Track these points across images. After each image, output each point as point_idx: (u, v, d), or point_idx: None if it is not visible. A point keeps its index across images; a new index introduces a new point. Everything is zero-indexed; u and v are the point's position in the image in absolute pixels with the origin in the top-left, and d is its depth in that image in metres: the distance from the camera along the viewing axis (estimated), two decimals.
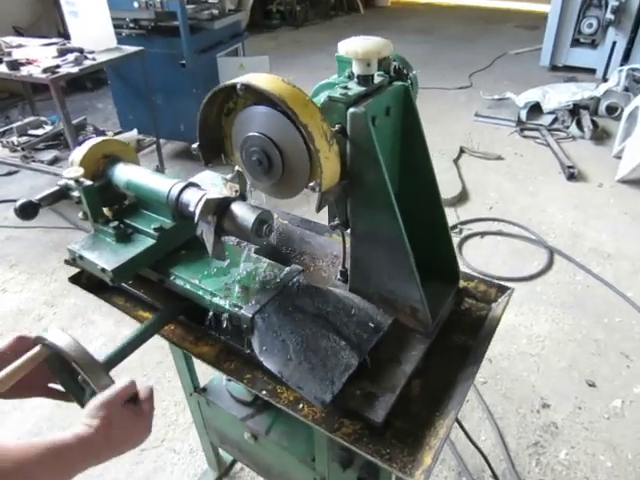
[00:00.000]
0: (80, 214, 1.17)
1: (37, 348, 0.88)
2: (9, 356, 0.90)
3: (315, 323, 1.03)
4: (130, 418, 0.86)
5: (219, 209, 0.98)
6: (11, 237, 3.57)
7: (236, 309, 1.03)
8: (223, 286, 1.09)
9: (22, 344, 0.92)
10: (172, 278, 1.13)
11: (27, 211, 1.09)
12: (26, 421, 2.26)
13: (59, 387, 0.99)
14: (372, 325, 1.06)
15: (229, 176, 1.06)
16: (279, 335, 0.99)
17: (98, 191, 1.14)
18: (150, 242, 1.12)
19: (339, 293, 1.12)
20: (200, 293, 1.08)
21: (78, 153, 1.15)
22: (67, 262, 1.22)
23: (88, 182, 1.10)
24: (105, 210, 1.18)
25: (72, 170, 1.10)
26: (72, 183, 1.10)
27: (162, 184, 1.11)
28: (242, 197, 1.05)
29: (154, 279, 1.18)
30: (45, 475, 0.74)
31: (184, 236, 1.19)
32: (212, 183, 1.24)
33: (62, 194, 1.14)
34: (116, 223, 1.13)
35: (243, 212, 0.97)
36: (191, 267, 1.15)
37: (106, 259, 1.08)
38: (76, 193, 1.12)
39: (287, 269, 1.13)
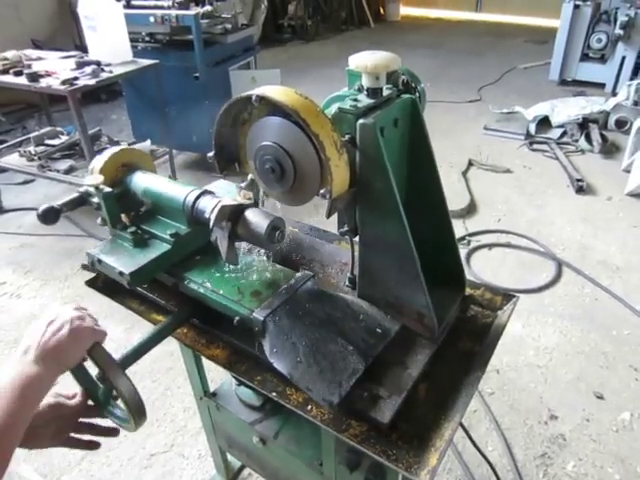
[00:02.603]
0: (99, 220, 1.22)
1: None
2: None
3: (324, 328, 1.06)
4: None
5: (233, 215, 1.02)
6: (25, 244, 3.65)
7: (248, 312, 1.06)
8: (236, 290, 1.12)
9: None
10: (186, 282, 1.16)
11: (49, 216, 1.14)
12: None
13: (80, 436, 1.03)
14: (379, 331, 1.09)
15: (243, 184, 1.10)
16: (289, 338, 1.02)
17: (117, 198, 1.18)
18: (166, 247, 1.16)
19: (348, 299, 1.15)
20: (213, 297, 1.12)
21: (98, 161, 1.20)
22: (85, 267, 1.27)
23: (108, 189, 1.15)
24: (123, 216, 1.23)
25: (92, 178, 1.15)
26: (92, 190, 1.15)
27: (178, 191, 1.15)
28: (255, 204, 1.09)
29: (169, 283, 1.22)
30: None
31: (198, 242, 1.22)
32: (227, 191, 1.27)
33: (82, 200, 1.19)
34: (133, 229, 1.17)
35: (257, 219, 1.01)
36: (205, 272, 1.18)
37: (124, 263, 1.12)
38: (96, 199, 1.16)
39: (298, 274, 1.16)
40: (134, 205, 1.25)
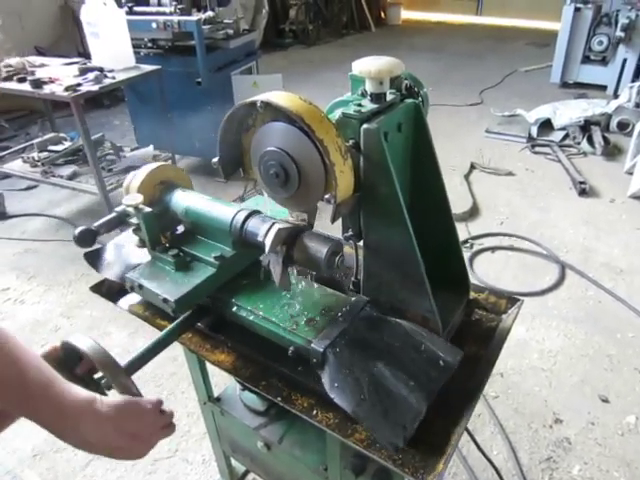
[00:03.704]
0: (136, 241, 1.18)
1: None
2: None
3: (385, 360, 1.00)
4: (148, 426, 0.87)
5: (288, 239, 0.98)
6: (29, 250, 3.66)
7: (305, 342, 1.01)
8: (289, 317, 1.07)
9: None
10: (234, 309, 1.12)
11: (86, 238, 1.10)
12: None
13: None
14: (442, 363, 1.02)
15: None
16: (352, 372, 0.96)
17: (156, 218, 1.13)
18: (211, 271, 1.10)
19: (407, 326, 1.09)
20: (266, 325, 1.07)
21: (136, 179, 1.15)
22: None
23: (148, 209, 1.10)
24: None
25: (131, 197, 1.09)
26: (131, 210, 1.10)
27: (224, 212, 1.10)
28: (310, 226, 1.04)
29: (213, 308, 1.17)
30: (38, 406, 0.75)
31: (243, 264, 1.17)
32: (265, 207, 1.19)
33: (119, 221, 1.14)
34: (175, 251, 1.12)
35: (315, 243, 0.96)
36: (252, 297, 1.13)
37: (167, 289, 1.06)
38: (134, 220, 1.12)
39: (354, 299, 1.11)
40: (170, 224, 1.20)
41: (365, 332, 1.04)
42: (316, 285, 1.17)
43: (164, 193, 1.18)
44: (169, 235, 1.19)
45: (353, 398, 0.93)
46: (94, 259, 1.31)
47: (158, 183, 1.18)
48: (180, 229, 1.21)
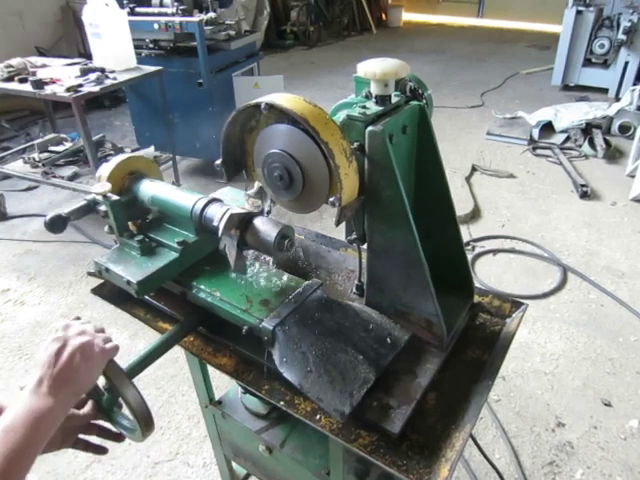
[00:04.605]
0: (106, 228, 1.21)
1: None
2: None
3: (334, 337, 1.05)
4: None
5: (242, 224, 1.02)
6: (30, 250, 3.65)
7: (257, 321, 1.05)
8: (244, 299, 1.12)
9: None
10: (194, 291, 1.16)
11: (56, 225, 1.14)
12: None
13: (88, 439, 1.00)
14: (389, 341, 1.08)
15: (251, 192, 1.09)
16: (299, 347, 1.01)
17: (124, 206, 1.18)
18: (174, 255, 1.15)
19: (357, 307, 1.14)
20: (222, 305, 1.11)
21: (105, 169, 1.19)
22: (90, 274, 1.26)
23: (115, 197, 1.14)
24: (130, 224, 1.22)
25: (100, 185, 1.14)
26: (100, 198, 1.14)
27: (186, 199, 1.15)
28: (264, 212, 1.09)
29: (177, 292, 1.21)
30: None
31: (206, 250, 1.22)
32: (234, 199, 1.26)
33: (89, 208, 1.18)
34: (141, 237, 1.17)
35: (266, 227, 1.00)
36: (213, 280, 1.17)
37: (131, 272, 1.11)
38: (103, 207, 1.16)
39: (306, 283, 1.15)
40: (141, 213, 1.25)
41: (315, 312, 1.08)
42: (274, 269, 1.22)
43: (133, 183, 1.22)
44: (139, 223, 1.24)
45: (300, 371, 0.97)
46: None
47: (128, 173, 1.22)
48: (150, 217, 1.27)
